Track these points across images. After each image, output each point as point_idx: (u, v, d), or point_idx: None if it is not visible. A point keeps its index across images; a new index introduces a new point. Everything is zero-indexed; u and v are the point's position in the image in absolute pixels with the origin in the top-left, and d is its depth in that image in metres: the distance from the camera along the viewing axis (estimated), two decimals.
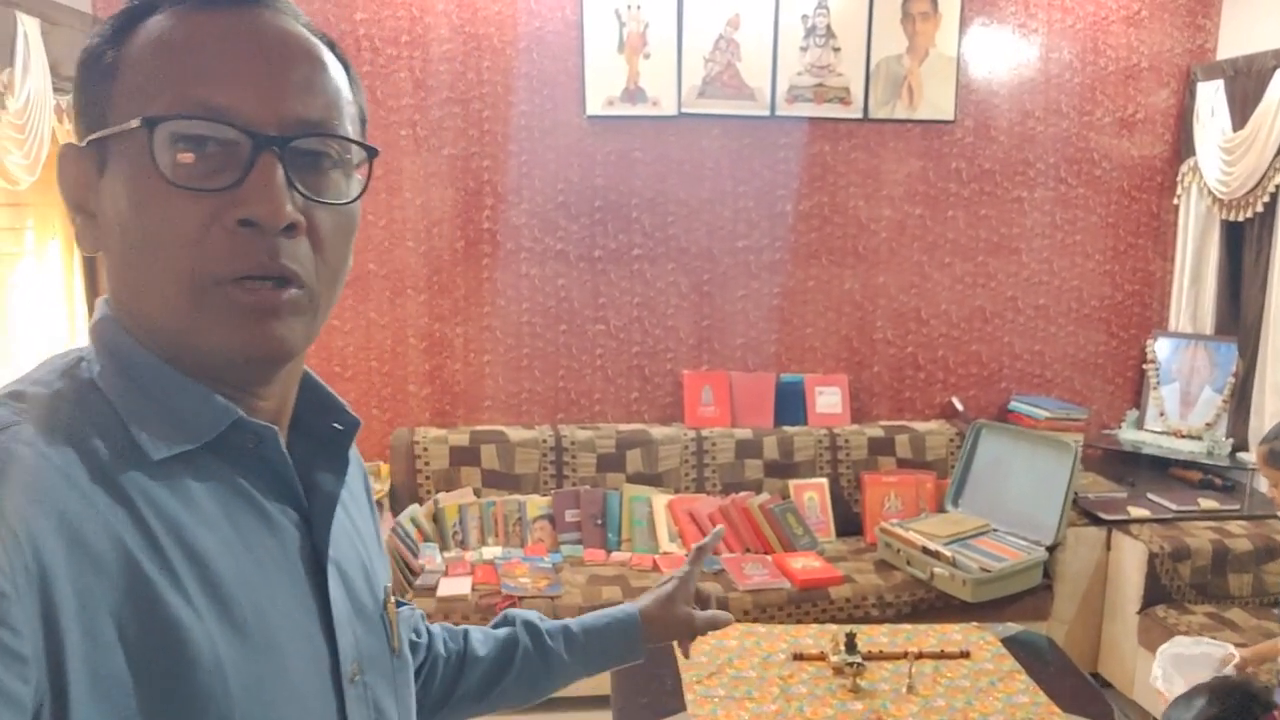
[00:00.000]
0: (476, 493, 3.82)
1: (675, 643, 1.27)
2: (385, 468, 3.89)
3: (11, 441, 0.61)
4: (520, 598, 3.30)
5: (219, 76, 0.67)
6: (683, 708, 2.45)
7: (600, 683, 2.60)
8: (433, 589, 3.34)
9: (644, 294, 4.05)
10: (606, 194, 3.97)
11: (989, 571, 3.33)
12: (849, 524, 3.96)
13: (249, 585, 0.68)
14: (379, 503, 3.63)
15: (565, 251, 3.98)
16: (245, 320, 0.68)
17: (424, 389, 4.01)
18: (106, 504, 0.62)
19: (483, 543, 3.73)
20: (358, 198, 0.76)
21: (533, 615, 1.22)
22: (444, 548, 3.67)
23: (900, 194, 4.12)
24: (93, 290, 3.44)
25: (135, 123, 0.66)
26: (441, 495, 3.78)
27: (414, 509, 3.71)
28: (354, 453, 0.85)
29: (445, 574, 3.46)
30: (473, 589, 3.35)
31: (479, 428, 3.93)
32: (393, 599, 0.86)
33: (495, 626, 1.20)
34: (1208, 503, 3.68)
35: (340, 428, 0.82)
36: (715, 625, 1.28)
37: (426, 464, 3.82)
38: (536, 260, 3.97)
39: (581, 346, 4.05)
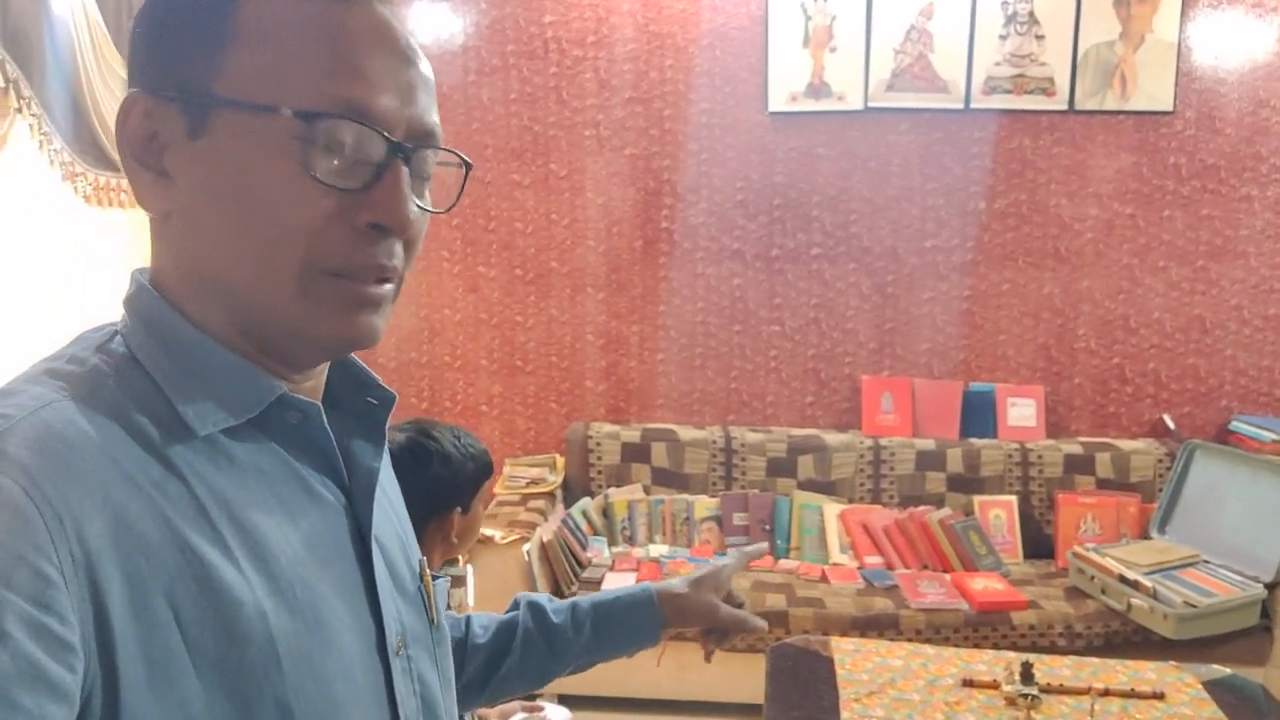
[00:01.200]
0: (646, 490, 3.83)
1: (701, 642, 1.23)
2: (560, 460, 3.97)
3: (53, 419, 0.61)
4: None
5: (370, 77, 0.67)
6: None
7: (755, 691, 2.55)
8: (598, 582, 3.36)
9: (822, 295, 3.94)
10: (786, 192, 3.88)
11: (1195, 606, 3.00)
12: (1039, 546, 3.69)
13: (298, 560, 0.68)
14: (551, 494, 3.72)
15: (742, 251, 3.92)
16: (349, 311, 0.69)
17: (600, 385, 4.06)
18: (152, 481, 0.62)
19: (650, 540, 3.74)
20: (451, 207, 0.80)
21: (542, 597, 1.19)
22: (612, 543, 3.70)
23: (1109, 191, 3.80)
24: None
25: (287, 112, 0.65)
26: (612, 490, 3.82)
27: (585, 502, 3.77)
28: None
29: (611, 568, 3.48)
30: None
31: (651, 425, 3.94)
32: (428, 572, 0.86)
33: (508, 612, 1.19)
34: None
35: (375, 403, 0.81)
36: (744, 626, 1.24)
37: (599, 459, 3.86)
38: (713, 260, 3.94)
39: (755, 348, 3.98)
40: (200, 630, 0.61)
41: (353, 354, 0.80)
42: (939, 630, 3.18)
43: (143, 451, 0.63)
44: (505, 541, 3.27)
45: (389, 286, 0.72)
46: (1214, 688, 2.52)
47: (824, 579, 3.47)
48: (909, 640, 3.13)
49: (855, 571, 3.51)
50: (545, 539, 3.32)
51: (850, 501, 3.78)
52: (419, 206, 0.72)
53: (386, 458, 0.85)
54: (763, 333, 3.98)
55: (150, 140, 0.68)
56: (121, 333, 0.70)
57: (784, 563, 3.62)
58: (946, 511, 3.68)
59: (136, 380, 0.67)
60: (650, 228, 3.94)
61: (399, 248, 0.71)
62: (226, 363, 0.69)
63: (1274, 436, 3.64)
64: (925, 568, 3.54)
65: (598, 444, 3.87)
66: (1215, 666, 2.71)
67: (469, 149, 3.92)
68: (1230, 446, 3.68)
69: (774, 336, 3.98)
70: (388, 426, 0.82)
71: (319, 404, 0.73)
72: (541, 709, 2.11)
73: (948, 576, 3.44)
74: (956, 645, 3.11)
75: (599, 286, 4.00)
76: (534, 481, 3.83)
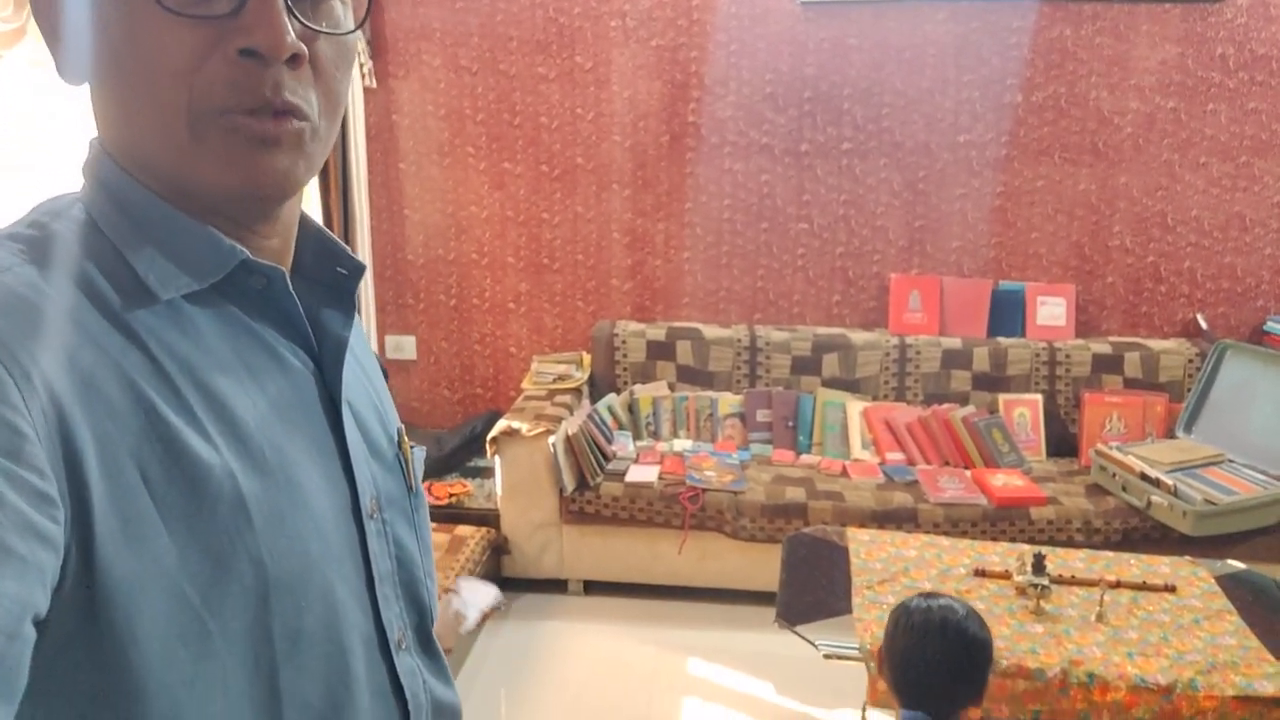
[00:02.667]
0: (671, 387, 3.87)
1: None
2: (586, 358, 4.01)
3: (14, 282, 0.60)
4: (704, 489, 3.34)
5: None
6: (849, 611, 2.40)
7: (772, 579, 2.61)
8: (622, 474, 3.43)
9: (852, 191, 3.88)
10: (817, 84, 3.79)
11: (1215, 504, 3.01)
12: (1063, 445, 3.69)
13: (265, 423, 0.68)
14: (578, 390, 3.77)
15: (770, 146, 3.86)
16: (246, 153, 0.65)
17: (625, 283, 4.07)
18: (117, 346, 0.62)
19: (674, 435, 3.79)
20: (358, 27, 0.72)
21: None
22: (637, 437, 3.76)
23: (1151, 84, 3.67)
24: (324, 180, 3.71)
25: None
26: (637, 387, 3.86)
27: (611, 398, 3.82)
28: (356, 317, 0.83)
29: (636, 461, 3.54)
30: (659, 478, 3.41)
31: (676, 324, 3.95)
32: (407, 440, 0.86)
33: None
34: None
35: (345, 273, 0.80)
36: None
37: (625, 356, 3.89)
38: (740, 155, 3.88)
39: (782, 246, 3.95)
40: (168, 490, 0.61)
41: (317, 224, 0.80)
42: (956, 524, 3.22)
43: (105, 316, 0.63)
44: (532, 435, 3.33)
45: (295, 124, 0.66)
46: (1226, 582, 2.55)
47: (845, 474, 3.51)
48: (926, 534, 3.18)
49: (876, 467, 3.54)
50: (570, 432, 3.38)
51: (874, 399, 3.79)
52: (309, 27, 0.66)
53: (360, 328, 0.85)
54: (790, 230, 3.94)
55: (55, 8, 0.66)
56: (82, 200, 0.69)
57: (806, 458, 3.66)
58: (971, 409, 3.69)
59: (97, 245, 0.66)
60: (677, 122, 3.88)
61: (303, 80, 0.66)
62: (185, 226, 0.68)
63: None
64: (947, 464, 3.57)
65: (624, 341, 3.89)
66: (1230, 562, 2.73)
67: (493, 42, 3.87)
68: (1263, 347, 3.63)
69: (802, 234, 3.95)
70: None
71: (283, 269, 0.72)
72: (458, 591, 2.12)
73: (968, 472, 3.46)
74: (974, 539, 3.15)
75: (625, 183, 3.97)
76: (561, 378, 3.88)
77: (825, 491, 3.35)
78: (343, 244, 0.82)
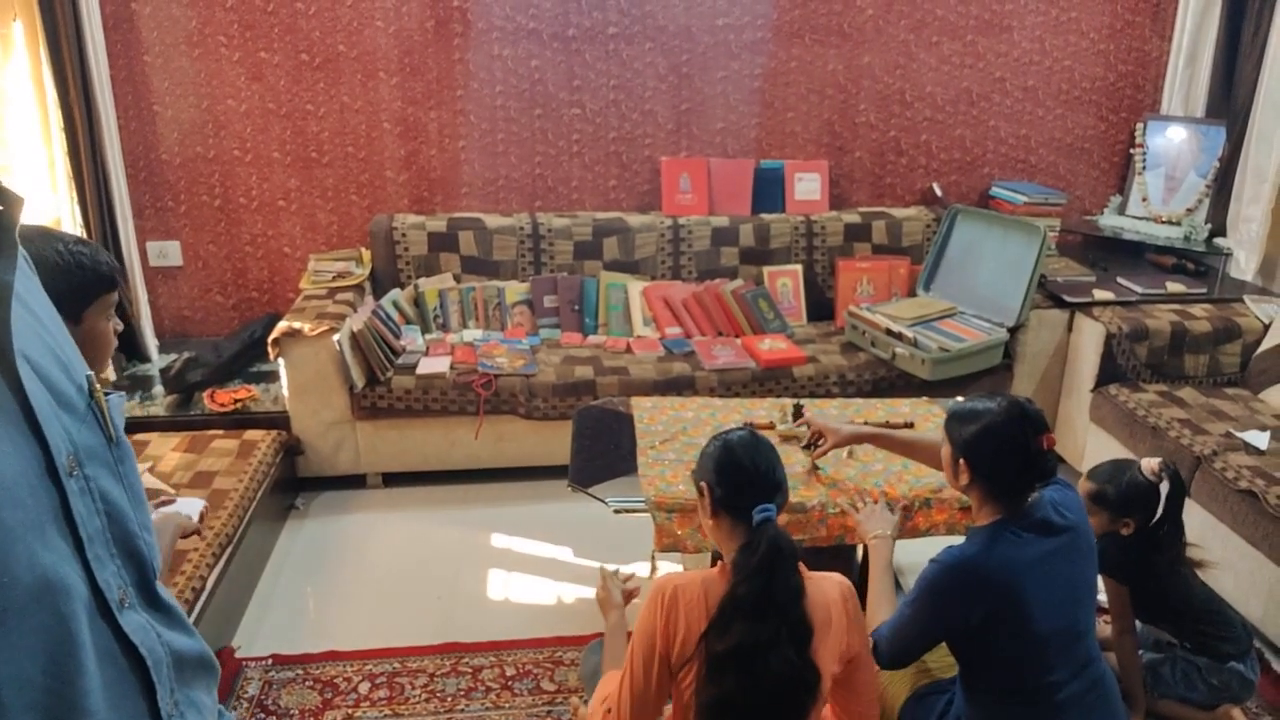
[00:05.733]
0: (456, 278, 3.90)
1: None
2: (366, 253, 3.96)
3: None
4: (496, 375, 3.44)
5: None
6: (634, 470, 2.60)
7: (565, 453, 2.76)
8: (412, 367, 3.47)
9: (620, 76, 3.97)
10: None
11: (948, 351, 3.42)
12: (822, 309, 4.04)
13: None
14: (359, 287, 3.73)
15: (538, 31, 3.87)
16: None
17: (401, 175, 4.01)
18: None
19: (463, 326, 3.84)
20: None
21: None
22: (425, 330, 3.79)
23: None
24: (61, 77, 3.41)
25: None
26: (422, 280, 3.86)
27: (395, 293, 3.81)
28: (22, 251, 0.75)
29: (426, 354, 3.58)
30: (451, 367, 3.48)
31: (457, 215, 3.96)
32: (99, 388, 0.81)
33: None
34: (1175, 286, 3.71)
35: (1, 208, 0.71)
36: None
37: (406, 250, 3.88)
38: (509, 40, 3.87)
39: (558, 132, 4.01)
40: None
41: None
42: (730, 387, 3.49)
43: None
44: (315, 334, 3.30)
45: None
46: None
47: (629, 350, 3.70)
48: (703, 397, 3.43)
49: (657, 342, 3.75)
50: (355, 329, 3.37)
51: (652, 279, 3.98)
52: None
53: (27, 273, 0.78)
54: (564, 116, 4.00)
55: None
56: None
57: (592, 338, 3.82)
58: (739, 282, 3.95)
59: None
60: (441, 6, 3.81)
61: None
62: None
63: (1026, 199, 4.04)
64: (720, 334, 3.83)
65: (403, 235, 3.87)
66: (958, 398, 3.12)
67: None
68: (990, 210, 4.07)
69: (575, 120, 4.01)
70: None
71: None
72: (173, 499, 2.14)
73: (739, 340, 3.73)
74: (744, 398, 3.43)
75: (392, 71, 3.88)
76: (341, 275, 3.82)
77: (611, 368, 3.53)
78: None
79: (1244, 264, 3.82)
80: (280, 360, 3.36)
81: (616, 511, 2.47)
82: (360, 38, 3.82)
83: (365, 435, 3.48)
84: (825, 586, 1.78)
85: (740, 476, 1.77)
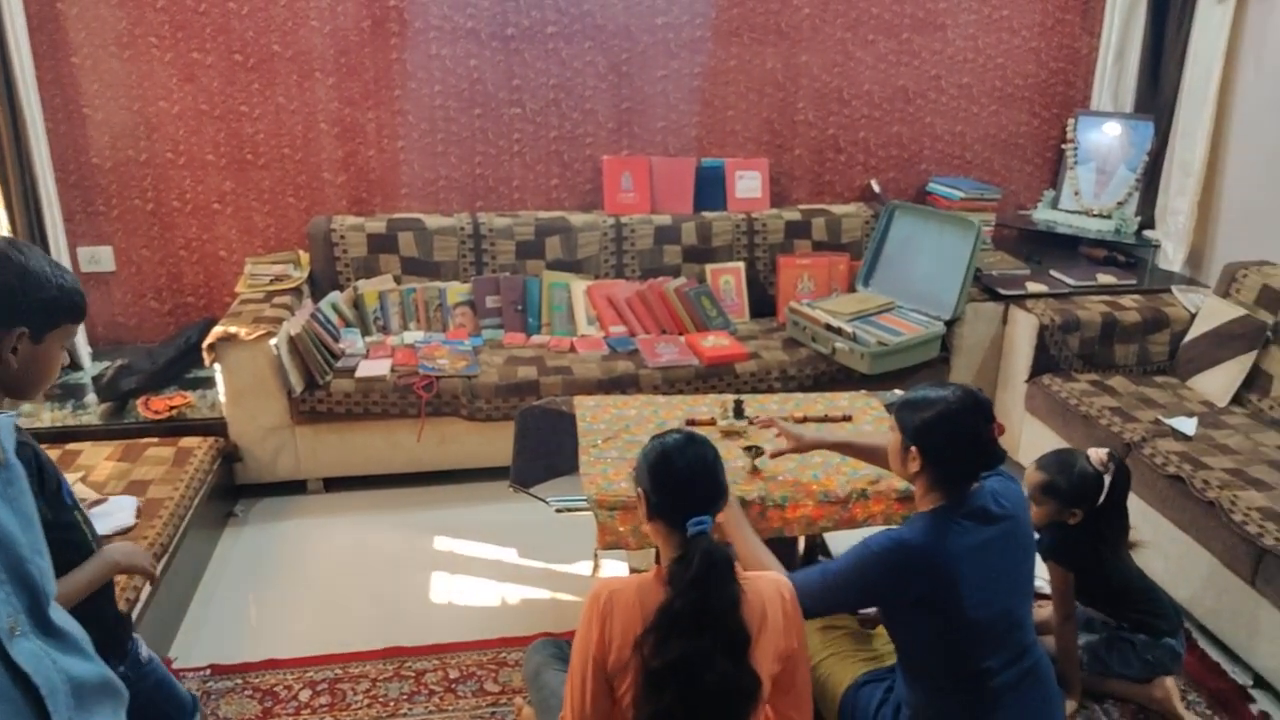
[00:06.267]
0: (397, 280, 3.87)
1: None
2: (304, 256, 3.91)
3: None
4: (438, 377, 3.42)
5: None
6: (576, 469, 2.60)
7: (509, 454, 2.75)
8: (352, 370, 3.43)
9: (560, 75, 3.96)
10: None
11: (886, 345, 3.46)
12: (763, 306, 4.06)
13: None
14: (297, 290, 3.68)
15: (476, 30, 3.85)
16: None
17: (339, 176, 3.97)
18: None
19: (404, 328, 3.81)
20: None
21: None
22: (366, 333, 3.75)
23: None
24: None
25: None
26: (361, 282, 3.82)
27: (334, 295, 3.76)
28: None
29: (366, 357, 3.55)
30: (392, 370, 3.44)
31: (396, 215, 3.92)
32: None
33: None
34: (1106, 278, 3.80)
35: None
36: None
37: (345, 252, 3.83)
38: (447, 40, 3.84)
39: (498, 132, 3.99)
40: None
41: None
42: (674, 384, 3.50)
43: None
44: (251, 338, 3.25)
45: None
46: (892, 406, 2.96)
47: (572, 349, 3.69)
48: (646, 395, 3.44)
49: (601, 341, 3.75)
50: (293, 333, 3.32)
51: (596, 277, 3.98)
52: None
53: None
54: (504, 116, 3.98)
55: None
56: None
57: (536, 338, 3.80)
58: (682, 280, 3.96)
59: None
60: (378, 5, 3.77)
61: None
62: None
63: (962, 195, 4.11)
64: (664, 332, 3.83)
65: (342, 237, 3.82)
66: (896, 391, 3.16)
67: None
68: (926, 206, 4.13)
69: (516, 119, 4.00)
70: None
71: None
72: (104, 499, 2.10)
73: (682, 338, 3.75)
74: (687, 395, 3.45)
75: (328, 71, 3.83)
76: (278, 279, 3.77)
77: (555, 367, 3.52)
78: None
79: (1172, 255, 3.92)
80: (216, 366, 3.30)
81: (558, 511, 2.46)
82: (295, 38, 3.77)
83: (305, 440, 3.43)
84: (761, 586, 1.79)
85: (674, 486, 1.77)
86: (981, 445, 1.93)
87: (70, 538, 1.62)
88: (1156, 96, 4.01)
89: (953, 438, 1.93)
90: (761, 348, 3.67)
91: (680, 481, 1.76)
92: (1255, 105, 3.60)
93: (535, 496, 2.50)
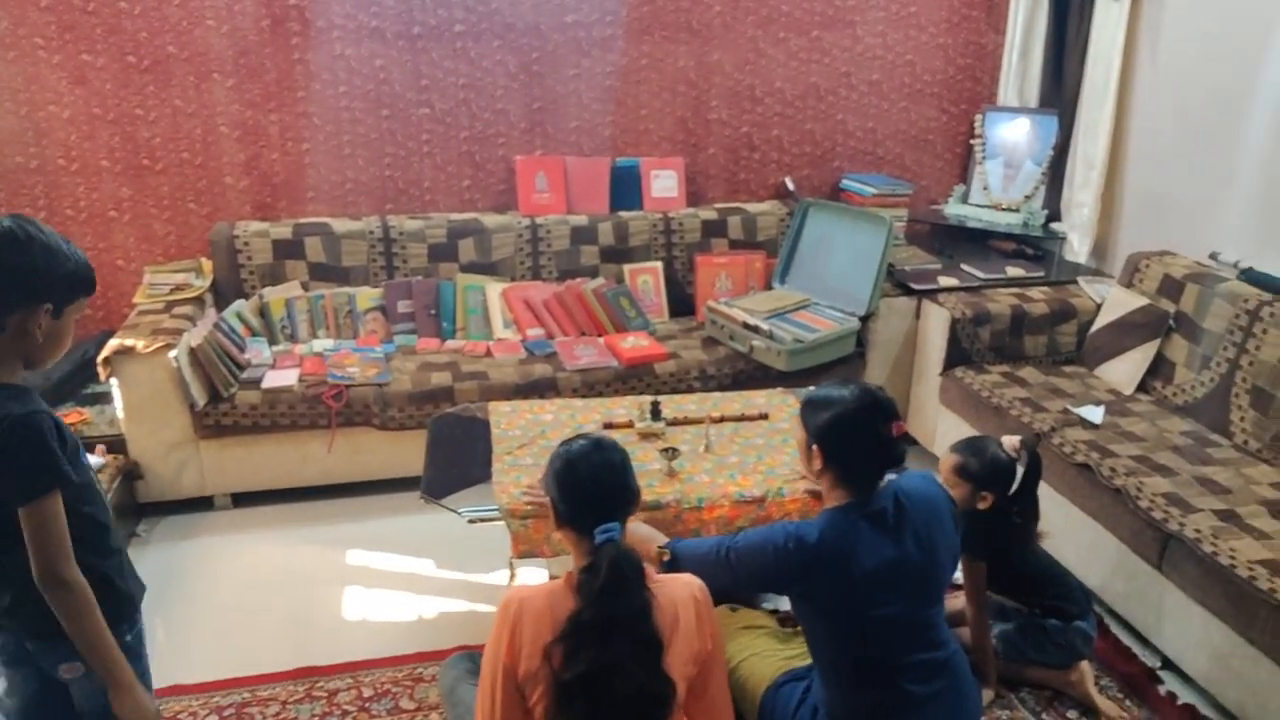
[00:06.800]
0: (304, 286, 3.75)
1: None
2: (207, 264, 3.77)
3: None
4: (348, 386, 3.32)
5: None
6: (489, 478, 2.54)
7: (422, 463, 2.68)
8: (258, 381, 3.32)
9: (469, 74, 3.89)
10: None
11: (802, 342, 3.47)
12: (682, 305, 4.04)
13: None
14: (199, 299, 3.55)
15: (381, 29, 3.75)
16: None
17: (241, 181, 3.83)
18: None
19: (313, 336, 3.70)
20: None
21: None
22: (273, 342, 3.63)
23: None
24: None
25: None
26: (267, 290, 3.70)
27: (239, 304, 3.64)
28: None
29: (272, 367, 3.44)
30: (299, 380, 3.34)
31: (303, 220, 3.81)
32: None
33: None
34: (1015, 271, 3.86)
35: None
36: None
37: (249, 259, 3.70)
38: (351, 39, 3.74)
39: (406, 133, 3.90)
40: None
41: None
42: (593, 386, 3.46)
43: None
44: (149, 351, 3.11)
45: None
46: None
47: (488, 354, 3.63)
48: (564, 398, 3.40)
49: (518, 344, 3.69)
50: (194, 344, 3.20)
51: (512, 280, 3.92)
52: None
53: None
54: (412, 116, 3.89)
55: None
56: None
57: (451, 343, 3.73)
58: (600, 281, 3.92)
59: None
60: (277, 4, 3.65)
61: None
62: None
63: (874, 191, 4.14)
64: (583, 334, 3.79)
65: (246, 243, 3.69)
66: (811, 388, 3.16)
67: None
68: (840, 203, 4.16)
69: (424, 120, 3.91)
70: None
71: None
72: None
73: (601, 339, 3.71)
74: (607, 398, 3.41)
75: (227, 73, 3.70)
76: (179, 288, 3.63)
77: (470, 373, 3.45)
78: None
79: (1077, 247, 4.01)
80: (113, 380, 3.16)
81: (470, 521, 2.41)
82: (191, 38, 3.63)
83: (210, 455, 3.31)
84: (673, 589, 1.76)
85: (580, 494, 1.74)
86: (881, 444, 1.93)
87: (91, 497, 1.68)
88: (1060, 91, 4.09)
89: (852, 437, 1.93)
90: (681, 347, 3.65)
91: (586, 489, 1.73)
92: (1153, 99, 3.70)
93: (446, 508, 2.44)
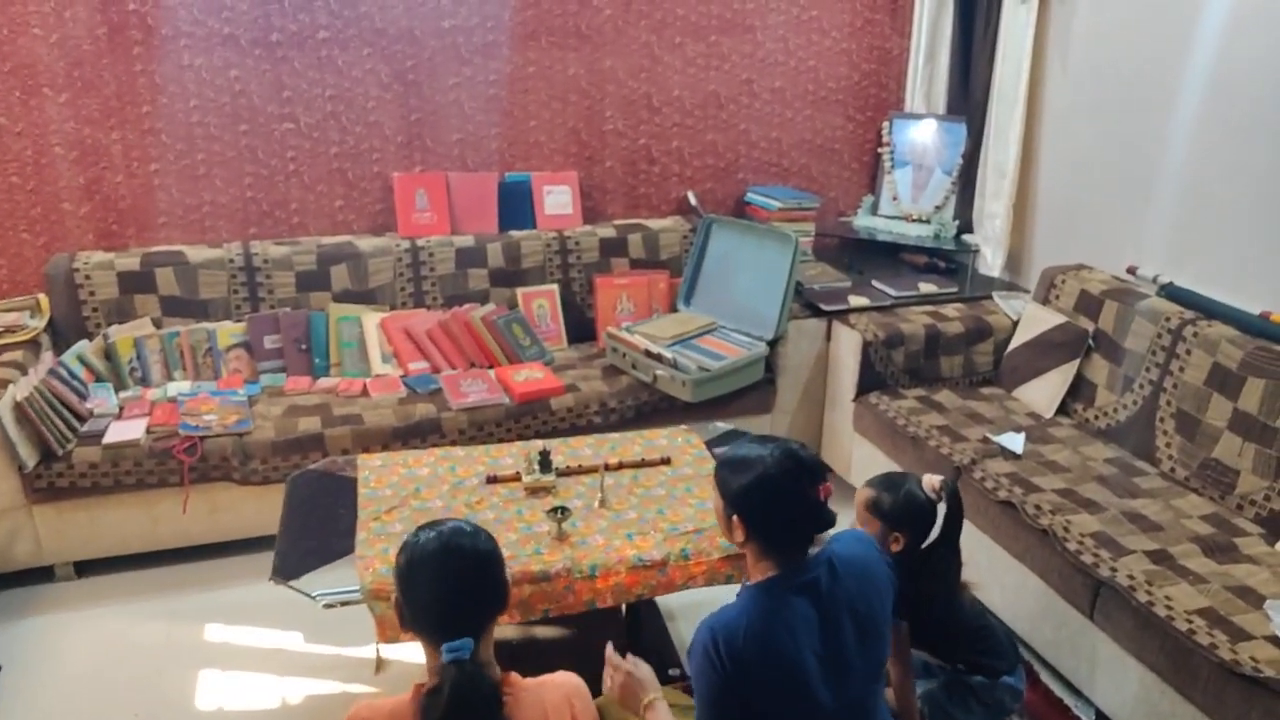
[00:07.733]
0: (156, 323, 3.37)
1: None
2: (44, 300, 3.36)
3: None
4: (202, 437, 2.96)
5: None
6: (352, 550, 2.22)
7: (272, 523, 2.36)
8: (99, 436, 2.93)
9: (337, 85, 3.54)
10: None
11: (708, 370, 3.23)
12: (582, 330, 3.77)
13: None
14: (34, 342, 3.14)
15: (235, 36, 3.39)
16: None
17: (82, 207, 3.43)
18: None
19: (168, 378, 3.32)
20: None
21: None
22: (121, 387, 3.25)
23: None
24: None
25: None
26: (113, 329, 3.30)
27: (82, 345, 3.24)
28: None
29: (118, 417, 3.05)
30: (147, 432, 2.96)
31: (154, 249, 3.42)
32: None
33: None
34: (927, 287, 3.68)
35: None
36: None
37: (92, 294, 3.31)
38: (201, 48, 3.37)
39: (269, 150, 3.54)
40: None
41: None
42: (482, 427, 3.16)
43: None
44: None
45: None
46: (714, 444, 2.72)
47: (365, 393, 3.29)
48: (452, 443, 3.09)
49: (399, 380, 3.36)
50: (20, 397, 2.80)
51: (392, 308, 3.59)
52: None
53: None
54: (275, 132, 3.53)
55: None
56: None
57: (323, 381, 3.38)
58: (491, 307, 3.62)
59: None
60: (114, 10, 3.26)
61: None
62: None
63: (780, 204, 3.93)
64: (473, 366, 3.48)
65: (88, 277, 3.29)
66: (717, 424, 2.92)
67: None
68: (745, 218, 3.93)
69: (289, 135, 3.55)
70: None
71: None
72: None
73: (491, 372, 3.40)
74: (500, 439, 3.12)
75: (59, 87, 3.29)
76: (9, 329, 3.21)
77: (342, 416, 3.12)
78: None
79: (991, 260, 3.85)
80: None
81: (326, 607, 2.09)
82: (14, 48, 3.22)
83: (46, 520, 2.91)
84: (544, 693, 1.50)
85: (425, 604, 1.45)
86: (808, 509, 1.68)
87: None
88: (968, 97, 3.93)
89: (775, 504, 1.67)
90: (580, 378, 3.37)
91: (431, 600, 1.44)
92: (1064, 105, 3.55)
93: (299, 591, 2.12)
